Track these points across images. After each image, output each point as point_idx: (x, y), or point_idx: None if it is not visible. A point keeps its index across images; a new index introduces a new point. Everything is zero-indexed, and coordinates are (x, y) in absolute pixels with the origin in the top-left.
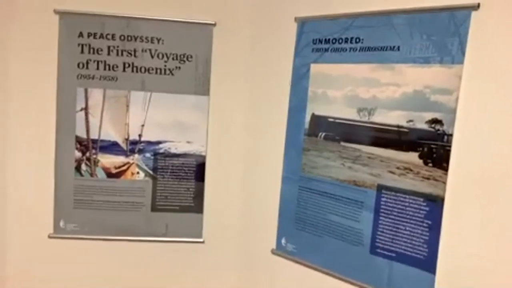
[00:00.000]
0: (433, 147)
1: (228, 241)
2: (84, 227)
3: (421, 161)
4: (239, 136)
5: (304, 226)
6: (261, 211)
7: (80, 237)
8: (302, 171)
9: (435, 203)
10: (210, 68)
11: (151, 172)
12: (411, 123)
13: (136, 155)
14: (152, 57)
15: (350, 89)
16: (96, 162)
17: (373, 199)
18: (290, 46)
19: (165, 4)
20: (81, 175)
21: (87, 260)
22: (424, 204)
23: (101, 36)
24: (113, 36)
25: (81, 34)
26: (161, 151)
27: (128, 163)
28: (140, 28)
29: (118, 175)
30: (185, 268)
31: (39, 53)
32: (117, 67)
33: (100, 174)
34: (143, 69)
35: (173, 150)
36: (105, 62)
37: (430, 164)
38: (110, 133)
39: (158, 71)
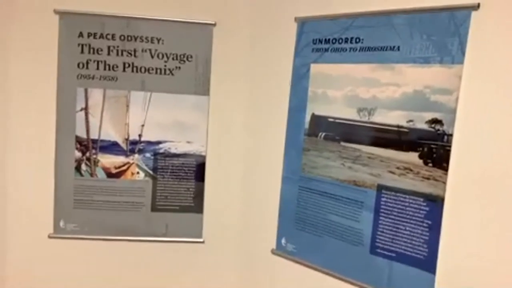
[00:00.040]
0: (433, 147)
1: (228, 241)
2: (84, 227)
3: (421, 161)
4: (239, 136)
5: (304, 226)
6: (261, 211)
7: (80, 237)
8: (302, 171)
9: (435, 203)
10: (210, 68)
11: (151, 172)
12: (411, 123)
13: (136, 155)
14: (152, 57)
15: (350, 89)
16: (96, 162)
17: (373, 199)
18: (290, 46)
19: (165, 4)
20: (81, 175)
21: (87, 260)
22: (424, 204)
23: (101, 36)
24: (113, 36)
25: (81, 34)
26: (161, 151)
27: (128, 163)
28: (140, 28)
29: (118, 175)
30: (185, 268)
31: (39, 53)
32: (117, 67)
33: (100, 174)
34: (143, 69)
35: (173, 150)
36: (105, 62)
37: (430, 164)
38: (110, 133)
39: (158, 71)
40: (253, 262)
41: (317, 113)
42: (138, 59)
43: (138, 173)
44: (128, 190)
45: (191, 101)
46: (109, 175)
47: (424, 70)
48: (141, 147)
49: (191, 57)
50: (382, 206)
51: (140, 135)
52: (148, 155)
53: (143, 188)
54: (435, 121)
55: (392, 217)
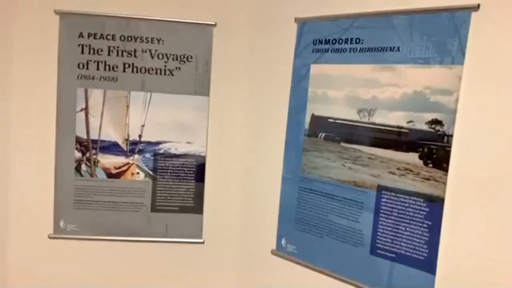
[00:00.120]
0: (433, 148)
1: (228, 241)
2: (84, 228)
3: (421, 161)
4: (239, 136)
5: (304, 226)
6: (261, 212)
7: (80, 237)
8: (302, 171)
9: (435, 204)
10: (210, 69)
11: (151, 172)
12: (411, 123)
13: (136, 156)
14: (152, 57)
15: (350, 89)
16: (96, 163)
17: (373, 200)
18: (290, 46)
19: (165, 4)
20: (81, 175)
21: (87, 260)
22: (424, 204)
23: (101, 36)
24: (113, 37)
25: (81, 35)
26: (161, 151)
27: (128, 163)
28: (140, 29)
29: (118, 175)
30: (185, 269)
31: (39, 53)
32: (117, 67)
33: (100, 174)
34: (143, 70)
35: (173, 151)
36: (105, 62)
37: (430, 165)
38: (110, 134)
39: (158, 71)
40: (253, 262)
41: (317, 113)
42: (138, 59)
43: (138, 173)
44: (128, 190)
45: (191, 102)
46: (109, 175)
47: (424, 71)
48: (141, 148)
49: (191, 57)
50: (382, 207)
51: (140, 136)
52: (148, 155)
53: (143, 189)
54: (435, 122)
55: (392, 217)
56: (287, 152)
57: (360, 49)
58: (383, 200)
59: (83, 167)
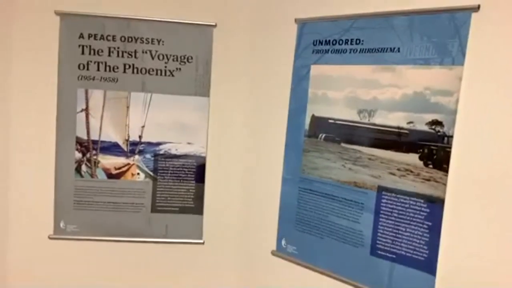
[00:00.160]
0: (434, 149)
1: (228, 242)
2: (84, 228)
3: (421, 162)
4: (239, 137)
5: (304, 227)
6: (261, 213)
7: (80, 238)
8: (302, 172)
9: (436, 205)
10: (211, 69)
11: (151, 173)
12: (411, 124)
13: (137, 156)
14: (153, 58)
15: (350, 90)
16: (96, 163)
17: (373, 201)
18: (291, 47)
19: (166, 5)
20: (82, 176)
21: (87, 261)
22: (425, 205)
23: (102, 37)
24: (113, 37)
25: (81, 35)
26: (161, 152)
27: (128, 164)
28: (141, 29)
29: (118, 176)
30: (185, 269)
31: (40, 54)
32: (117, 68)
33: (101, 175)
34: (143, 70)
35: (173, 151)
36: (105, 63)
37: (431, 166)
38: (111, 134)
39: (159, 72)
40: (253, 263)
41: (317, 114)
42: (139, 60)
43: (138, 174)
44: (128, 191)
45: (191, 102)
46: (109, 176)
47: (424, 72)
48: (142, 148)
49: (192, 58)
50: (383, 208)
51: (140, 136)
52: (148, 156)
53: (143, 189)
54: (435, 123)
55: (393, 218)
56: (287, 152)
57: (360, 50)
58: (384, 200)
59: (84, 167)
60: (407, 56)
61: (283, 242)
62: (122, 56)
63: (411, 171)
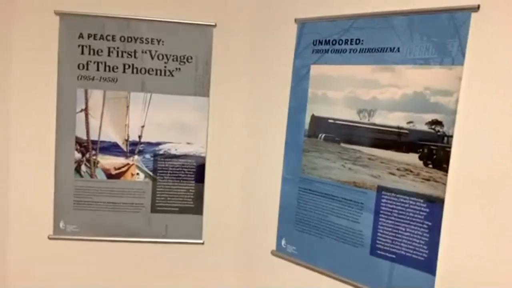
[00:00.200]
0: (433, 149)
1: (228, 242)
2: (84, 228)
3: (421, 162)
4: (239, 137)
5: (304, 227)
6: (261, 213)
7: (80, 238)
8: (302, 172)
9: (435, 204)
10: (210, 69)
11: (151, 173)
12: (411, 124)
13: (136, 156)
14: (152, 58)
15: (350, 90)
16: (96, 163)
17: (373, 201)
18: (290, 47)
19: (165, 5)
20: (81, 176)
21: (87, 261)
22: (424, 205)
23: (101, 37)
24: (113, 37)
25: (81, 35)
26: (161, 152)
27: (128, 164)
28: (140, 29)
29: (118, 176)
30: (185, 269)
31: (39, 54)
32: (117, 68)
33: (100, 175)
34: (143, 70)
35: (173, 151)
36: (105, 63)
37: (430, 166)
38: (110, 134)
39: (158, 72)
40: (253, 263)
41: (317, 114)
42: (138, 60)
43: (138, 174)
44: (128, 191)
45: (191, 102)
46: (109, 176)
47: (424, 72)
48: (141, 148)
49: (191, 58)
50: (382, 208)
51: (140, 136)
52: (148, 156)
53: (143, 189)
54: (435, 123)
55: (392, 218)
56: (287, 152)
57: (360, 49)
58: (383, 200)
59: (83, 167)
60: (407, 56)
61: (283, 242)
62: (122, 56)
63: (411, 171)
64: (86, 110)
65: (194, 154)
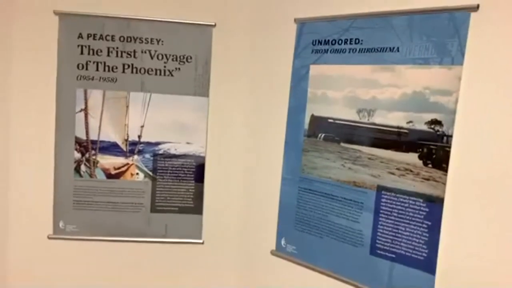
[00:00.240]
0: (433, 148)
1: (227, 242)
2: (84, 228)
3: (421, 162)
4: (238, 137)
5: (304, 227)
6: (261, 212)
7: (79, 238)
8: (301, 172)
9: (435, 204)
10: (210, 69)
11: (150, 173)
12: (410, 124)
13: (136, 156)
14: (152, 58)
15: (349, 90)
16: (95, 163)
17: (373, 200)
18: (290, 47)
19: (165, 5)
20: (81, 176)
21: (87, 261)
22: (424, 205)
23: (101, 37)
24: (112, 37)
25: (80, 35)
26: (161, 152)
27: (127, 164)
28: (140, 29)
29: (117, 176)
30: (184, 269)
31: (39, 54)
32: (116, 68)
33: (100, 175)
34: (142, 70)
35: (172, 151)
36: (104, 63)
37: (430, 165)
38: (110, 134)
39: (158, 72)
40: (252, 263)
41: (316, 114)
42: (138, 60)
43: (137, 174)
44: (128, 191)
45: (190, 102)
46: (109, 176)
47: (423, 71)
48: (141, 148)
49: (191, 58)
50: (382, 207)
51: (139, 136)
52: (147, 156)
53: (143, 189)
54: (434, 122)
55: (392, 218)
56: (286, 152)
57: (360, 49)
58: (383, 200)
59: (83, 167)
60: (406, 55)
61: (282, 241)
62: (121, 56)
63: (411, 171)
64: (85, 110)
65: (194, 154)
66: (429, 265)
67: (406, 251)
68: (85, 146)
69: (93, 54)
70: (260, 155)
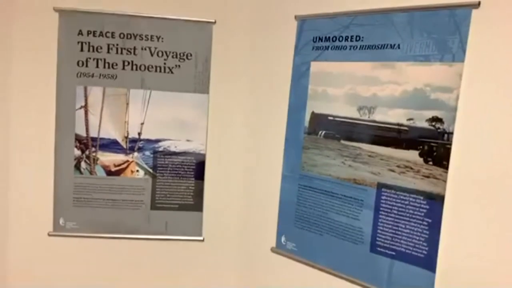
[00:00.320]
0: (434, 145)
1: (228, 239)
2: (84, 225)
3: (421, 159)
4: (239, 134)
5: (304, 224)
6: (261, 209)
7: (79, 235)
8: (302, 169)
9: (435, 202)
10: (210, 66)
11: (150, 170)
12: (411, 121)
13: (136, 153)
14: (152, 55)
15: (350, 87)
16: (95, 160)
17: (373, 197)
18: (290, 44)
19: (165, 2)
20: (81, 173)
21: (87, 258)
22: (424, 202)
23: (101, 34)
24: (112, 34)
25: (80, 32)
26: (161, 149)
27: (127, 161)
28: (140, 26)
29: (117, 173)
30: (184, 267)
31: (39, 51)
32: (116, 65)
33: (100, 172)
34: (142, 67)
35: (172, 148)
36: (104, 60)
37: (431, 163)
38: (110, 131)
39: (158, 69)
40: (253, 260)
41: (317, 111)
42: (138, 57)
43: (137, 171)
44: (128, 188)
45: (190, 99)
46: (109, 173)
47: (424, 68)
48: (141, 145)
49: (191, 55)
50: (382, 204)
51: (139, 133)
52: (147, 153)
53: (143, 186)
54: (435, 119)
55: (392, 215)
56: (287, 149)
57: (360, 46)
58: (383, 197)
59: (83, 164)
60: (407, 52)
61: (282, 239)
62: (121, 53)
63: (411, 168)
64: (85, 107)
65: (194, 151)
66: (429, 262)
67: (406, 248)
68: (85, 143)
69: (93, 51)
70: (260, 152)
